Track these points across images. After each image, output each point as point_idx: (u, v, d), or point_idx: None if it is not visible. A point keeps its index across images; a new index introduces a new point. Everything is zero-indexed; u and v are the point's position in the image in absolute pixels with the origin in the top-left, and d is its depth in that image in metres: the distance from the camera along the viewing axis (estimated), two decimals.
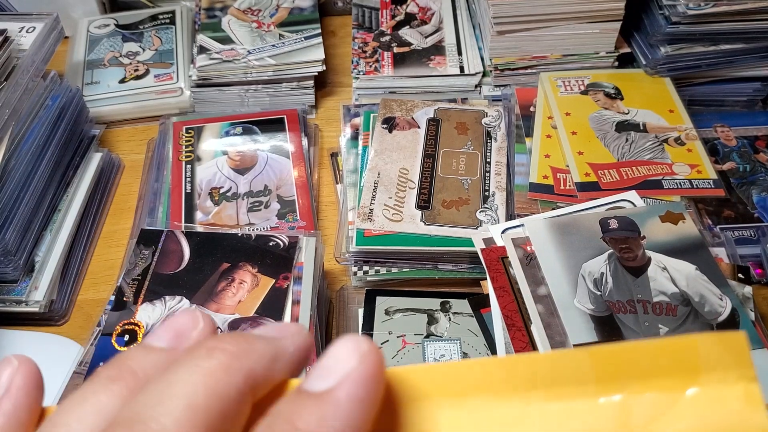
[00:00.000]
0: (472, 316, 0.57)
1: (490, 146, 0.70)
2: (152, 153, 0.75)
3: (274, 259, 0.57)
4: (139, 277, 0.56)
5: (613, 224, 0.57)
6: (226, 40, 0.82)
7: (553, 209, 0.63)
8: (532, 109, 0.73)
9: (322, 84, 0.84)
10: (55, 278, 0.62)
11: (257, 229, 0.66)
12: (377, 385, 0.17)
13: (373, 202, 0.64)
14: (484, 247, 0.58)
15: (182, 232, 0.60)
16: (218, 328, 0.53)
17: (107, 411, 0.17)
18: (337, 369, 0.17)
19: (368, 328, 0.57)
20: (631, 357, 0.17)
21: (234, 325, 0.53)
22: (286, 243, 0.58)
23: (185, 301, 0.54)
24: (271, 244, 0.58)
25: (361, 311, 0.58)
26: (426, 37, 0.82)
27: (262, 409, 0.17)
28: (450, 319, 0.57)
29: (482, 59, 0.79)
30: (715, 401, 0.17)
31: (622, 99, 0.73)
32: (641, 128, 0.70)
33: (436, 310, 0.58)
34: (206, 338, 0.19)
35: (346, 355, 0.17)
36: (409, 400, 0.18)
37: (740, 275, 0.57)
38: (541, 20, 0.74)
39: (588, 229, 0.57)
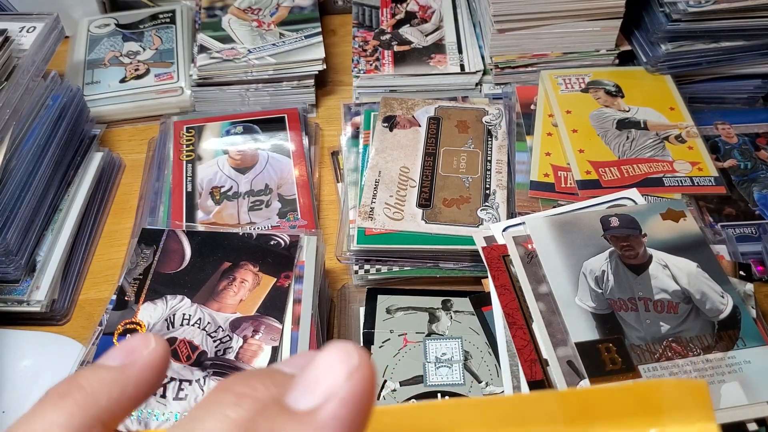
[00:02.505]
0: (473, 315, 0.57)
1: (491, 144, 0.70)
2: (153, 152, 0.75)
3: (276, 258, 0.57)
4: (141, 277, 0.56)
5: (614, 222, 0.57)
6: (226, 39, 0.82)
7: (554, 207, 0.63)
8: (532, 107, 0.73)
9: (323, 83, 0.84)
10: (57, 278, 0.62)
11: (258, 228, 0.66)
12: (365, 405, 0.16)
13: (374, 200, 0.64)
14: (485, 245, 0.58)
15: (183, 231, 0.60)
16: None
17: (54, 427, 0.17)
18: (323, 384, 0.16)
19: (369, 326, 0.57)
20: (598, 399, 0.18)
21: (235, 324, 0.53)
22: (287, 242, 0.58)
23: (186, 300, 0.54)
24: (272, 243, 0.58)
25: (362, 310, 0.58)
26: (426, 36, 0.82)
27: None
28: (451, 318, 0.57)
29: (483, 57, 0.79)
30: None
31: (622, 97, 0.73)
32: (642, 126, 0.70)
33: (438, 309, 0.58)
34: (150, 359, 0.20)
35: (334, 369, 0.16)
36: None
37: (741, 272, 0.57)
38: (542, 18, 0.74)
39: (589, 227, 0.57)
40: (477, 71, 0.77)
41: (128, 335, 0.52)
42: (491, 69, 0.78)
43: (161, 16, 0.89)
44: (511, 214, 0.63)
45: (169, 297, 0.55)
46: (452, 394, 0.53)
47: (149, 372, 0.20)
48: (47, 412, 0.18)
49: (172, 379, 0.50)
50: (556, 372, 0.49)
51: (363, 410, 0.16)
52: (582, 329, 0.51)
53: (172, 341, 0.52)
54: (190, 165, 0.72)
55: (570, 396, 0.19)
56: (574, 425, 0.18)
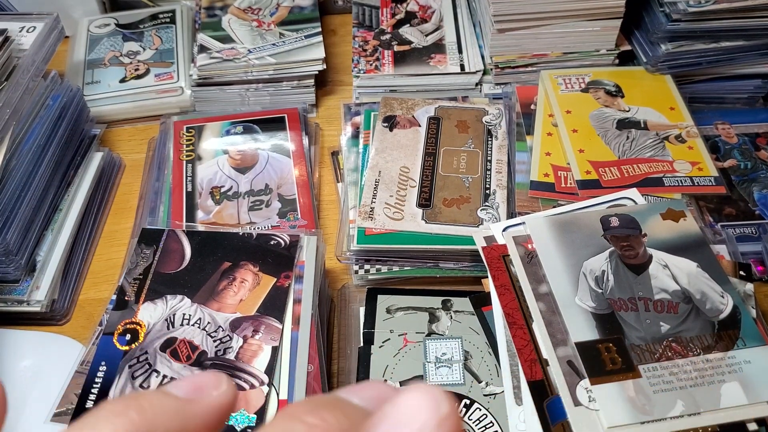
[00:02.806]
0: (473, 315, 0.57)
1: (491, 144, 0.70)
2: (153, 152, 0.75)
3: (276, 257, 0.57)
4: (141, 277, 0.56)
5: (614, 222, 0.57)
6: (226, 39, 0.82)
7: (554, 207, 0.63)
8: (532, 107, 0.73)
9: (323, 83, 0.84)
10: (57, 278, 0.62)
11: (258, 228, 0.66)
12: None
13: (374, 200, 0.64)
14: (485, 245, 0.58)
15: (183, 231, 0.60)
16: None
17: None
18: (412, 428, 0.15)
19: (369, 326, 0.57)
20: None
21: (236, 324, 0.53)
22: (287, 242, 0.58)
23: (186, 300, 0.54)
24: (272, 242, 0.58)
25: (362, 310, 0.58)
26: (426, 36, 0.82)
27: None
28: (451, 318, 0.57)
29: (483, 57, 0.79)
30: None
31: (622, 97, 0.73)
32: (642, 126, 0.70)
33: (438, 309, 0.58)
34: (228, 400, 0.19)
35: (422, 416, 0.15)
36: None
37: (741, 272, 0.57)
38: (542, 18, 0.74)
39: (589, 226, 0.57)
40: (477, 71, 0.77)
41: (129, 335, 0.52)
42: (491, 69, 0.78)
43: (161, 16, 0.89)
44: (511, 214, 0.63)
45: (169, 297, 0.55)
46: (452, 394, 0.52)
47: (213, 414, 0.19)
48: (100, 426, 0.17)
49: (172, 378, 0.50)
50: (556, 372, 0.49)
51: None
52: (582, 329, 0.51)
53: (171, 341, 0.52)
54: (190, 165, 0.72)
55: None
56: None
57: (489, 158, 0.68)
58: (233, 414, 0.47)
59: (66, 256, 0.64)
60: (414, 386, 0.16)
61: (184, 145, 0.74)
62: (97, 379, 0.50)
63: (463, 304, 0.58)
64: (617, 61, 0.78)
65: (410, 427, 0.15)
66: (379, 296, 0.59)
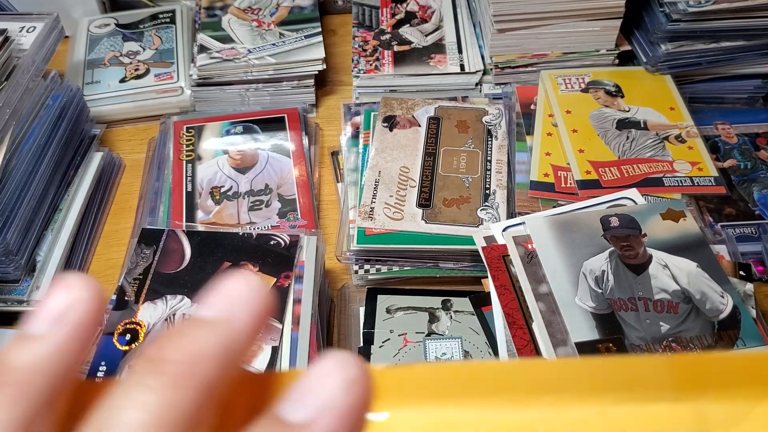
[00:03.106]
0: (473, 315, 0.57)
1: (491, 144, 0.70)
2: (153, 152, 0.75)
3: (275, 257, 0.57)
4: (141, 277, 0.56)
5: (614, 222, 0.57)
6: (226, 39, 0.82)
7: (554, 207, 0.63)
8: (532, 107, 0.73)
9: (323, 83, 0.84)
10: (57, 278, 0.62)
11: (258, 228, 0.66)
12: (361, 420, 0.15)
13: (374, 200, 0.64)
14: (485, 245, 0.58)
15: (183, 231, 0.60)
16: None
17: None
18: (319, 396, 0.15)
19: (369, 326, 0.57)
20: (709, 367, 0.18)
21: None
22: (287, 242, 0.58)
23: (186, 300, 0.54)
24: (272, 243, 0.58)
25: (362, 310, 0.58)
26: (426, 36, 0.82)
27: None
28: (451, 318, 0.57)
29: (483, 57, 0.79)
30: None
31: (622, 97, 0.73)
32: (642, 126, 0.70)
33: (438, 309, 0.58)
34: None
35: (330, 380, 0.16)
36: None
37: (741, 272, 0.57)
38: (542, 18, 0.74)
39: (589, 226, 0.57)
40: (477, 71, 0.77)
41: (129, 335, 0.52)
42: (491, 69, 0.78)
43: (161, 15, 0.89)
44: (511, 214, 0.63)
45: (169, 297, 0.55)
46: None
47: (258, 323, 0.17)
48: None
49: None
50: None
51: (359, 425, 0.16)
52: (582, 329, 0.51)
53: None
54: (190, 165, 0.72)
55: (681, 362, 0.18)
56: (682, 392, 0.18)
57: (489, 158, 0.68)
58: None
59: (66, 256, 0.64)
60: (327, 354, 0.16)
61: (184, 145, 0.74)
62: (96, 379, 0.50)
63: (463, 304, 0.58)
64: (617, 61, 0.78)
65: (318, 392, 0.15)
66: (379, 296, 0.59)
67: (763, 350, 0.18)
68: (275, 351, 0.51)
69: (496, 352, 0.53)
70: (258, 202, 0.69)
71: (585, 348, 0.49)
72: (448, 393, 0.18)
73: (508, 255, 0.56)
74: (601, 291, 0.53)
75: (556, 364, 0.19)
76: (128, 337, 0.52)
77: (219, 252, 0.58)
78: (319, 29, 0.83)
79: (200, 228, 0.65)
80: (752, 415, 0.17)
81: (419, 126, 0.72)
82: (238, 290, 0.17)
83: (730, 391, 0.18)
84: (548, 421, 0.18)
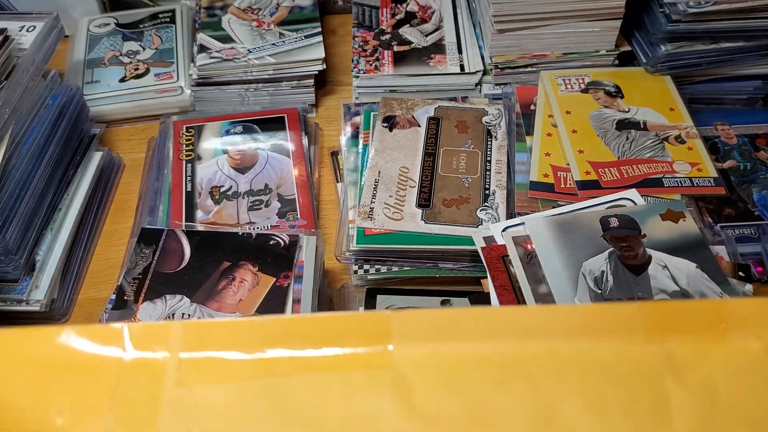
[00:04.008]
0: None
1: (491, 145, 0.70)
2: (153, 152, 0.75)
3: (275, 257, 0.57)
4: (140, 276, 0.56)
5: (614, 222, 0.57)
6: (226, 38, 0.82)
7: (554, 207, 0.63)
8: (532, 107, 0.73)
9: (323, 83, 0.84)
10: (56, 277, 0.62)
11: (258, 228, 0.66)
12: None
13: (373, 200, 0.64)
14: (484, 245, 0.58)
15: (183, 231, 0.60)
16: None
17: None
18: None
19: None
20: (676, 312, 0.21)
21: None
22: (287, 242, 0.58)
23: (186, 300, 0.54)
24: (271, 242, 0.58)
25: (361, 310, 0.58)
26: (426, 36, 0.82)
27: None
28: None
29: (482, 57, 0.79)
30: (743, 352, 0.20)
31: (622, 97, 0.73)
32: (642, 126, 0.70)
33: (437, 309, 0.58)
34: None
35: None
36: None
37: (741, 273, 0.57)
38: (542, 18, 0.74)
39: (588, 227, 0.57)
40: (477, 71, 0.78)
41: None
42: (491, 69, 0.78)
43: (161, 15, 0.89)
44: (510, 215, 0.63)
45: (168, 296, 0.55)
46: None
47: None
48: None
49: None
50: None
51: None
52: None
53: None
54: (189, 165, 0.72)
55: (651, 308, 0.21)
56: (651, 335, 0.20)
57: (488, 158, 0.68)
58: None
59: (65, 256, 0.64)
60: None
61: (184, 145, 0.74)
62: None
63: (462, 304, 0.58)
64: (617, 61, 0.78)
65: None
66: (378, 296, 0.59)
67: (724, 299, 0.22)
68: None
69: None
70: (258, 202, 0.69)
71: None
72: (445, 332, 0.20)
73: (508, 255, 0.56)
74: (600, 291, 0.53)
75: (543, 310, 0.22)
76: None
77: (218, 252, 0.58)
78: (319, 29, 0.83)
79: (200, 228, 0.65)
80: (713, 353, 0.20)
81: (419, 126, 0.72)
82: None
83: (695, 334, 0.20)
84: (537, 355, 0.20)
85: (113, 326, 0.21)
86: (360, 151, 0.71)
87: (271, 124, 0.76)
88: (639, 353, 0.20)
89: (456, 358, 0.20)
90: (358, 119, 0.75)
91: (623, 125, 0.70)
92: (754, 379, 0.19)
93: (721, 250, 0.59)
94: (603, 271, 0.54)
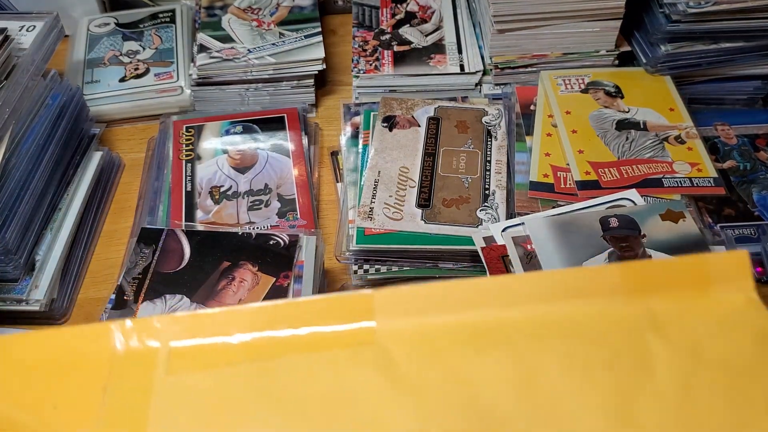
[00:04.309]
0: None
1: (491, 145, 0.70)
2: (152, 152, 0.75)
3: (275, 257, 0.57)
4: (140, 276, 0.56)
5: (614, 223, 0.57)
6: (226, 38, 0.82)
7: (554, 208, 0.63)
8: (532, 107, 0.73)
9: (323, 83, 0.84)
10: (56, 277, 0.62)
11: (258, 228, 0.66)
12: None
13: (373, 200, 0.64)
14: (484, 245, 0.58)
15: (183, 230, 0.60)
16: None
17: None
18: None
19: None
20: (654, 272, 0.21)
21: None
22: (287, 242, 0.58)
23: (186, 300, 0.54)
24: (271, 242, 0.58)
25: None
26: (426, 36, 0.82)
27: None
28: None
29: (482, 58, 0.79)
30: (724, 305, 0.20)
31: (622, 97, 0.73)
32: (641, 127, 0.70)
33: None
34: None
35: None
36: None
37: None
38: (542, 18, 0.74)
39: (588, 227, 0.57)
40: (477, 71, 0.78)
41: None
42: (491, 69, 0.78)
43: (161, 15, 0.89)
44: (510, 215, 0.63)
45: (168, 296, 0.55)
46: None
47: None
48: None
49: None
50: None
51: None
52: None
53: None
54: (189, 164, 0.72)
55: (630, 269, 0.21)
56: (632, 296, 0.20)
57: (488, 158, 0.68)
58: None
59: (65, 255, 0.64)
60: None
61: (184, 145, 0.74)
62: None
63: None
64: (617, 61, 0.78)
65: None
66: None
67: (697, 256, 0.22)
68: None
69: None
70: (257, 202, 0.69)
71: None
72: (426, 306, 0.21)
73: (508, 255, 0.56)
74: None
75: (523, 278, 0.23)
76: None
77: (218, 252, 0.58)
78: (319, 29, 0.83)
79: (199, 227, 0.65)
80: (695, 308, 0.20)
81: (419, 126, 0.72)
82: None
83: (676, 291, 0.21)
84: (517, 321, 0.20)
85: (105, 323, 0.22)
86: (360, 151, 0.71)
87: (271, 124, 0.76)
88: (620, 312, 0.20)
89: (437, 330, 0.20)
90: (358, 119, 0.75)
91: (623, 125, 0.70)
92: (737, 331, 0.20)
93: (720, 251, 0.59)
94: None
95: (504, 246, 0.57)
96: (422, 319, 0.20)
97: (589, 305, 0.20)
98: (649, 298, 0.20)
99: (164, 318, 0.21)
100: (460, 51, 0.80)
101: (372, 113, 0.74)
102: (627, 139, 0.69)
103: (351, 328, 0.21)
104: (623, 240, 0.56)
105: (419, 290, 0.21)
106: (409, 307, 0.20)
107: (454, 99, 0.77)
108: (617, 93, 0.74)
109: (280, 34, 0.82)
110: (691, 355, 0.19)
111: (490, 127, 0.72)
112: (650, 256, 0.55)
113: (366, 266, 0.62)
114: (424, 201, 0.64)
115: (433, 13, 0.85)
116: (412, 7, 0.86)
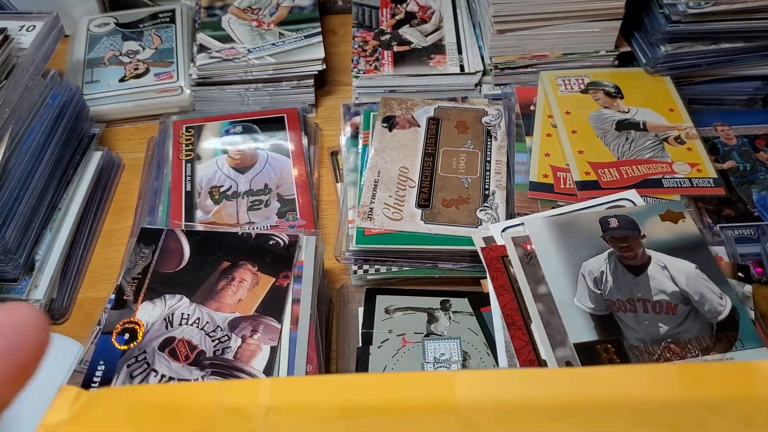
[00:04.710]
0: (472, 315, 0.57)
1: (491, 145, 0.70)
2: (152, 152, 0.75)
3: (275, 257, 0.57)
4: (140, 276, 0.56)
5: (613, 223, 0.57)
6: (226, 38, 0.82)
7: (554, 208, 0.63)
8: (532, 107, 0.73)
9: (322, 83, 0.84)
10: (56, 277, 0.62)
11: (257, 228, 0.66)
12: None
13: (373, 200, 0.64)
14: (484, 245, 0.58)
15: (182, 230, 0.60)
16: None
17: None
18: None
19: (368, 326, 0.57)
20: (706, 372, 0.20)
21: (234, 324, 0.53)
22: (286, 242, 0.58)
23: (185, 300, 0.54)
24: (271, 242, 0.58)
25: (361, 310, 0.58)
26: (426, 36, 0.82)
27: None
28: (450, 318, 0.57)
29: (482, 58, 0.79)
30: None
31: (622, 98, 0.73)
32: (641, 127, 0.70)
33: (436, 309, 0.58)
34: None
35: None
36: None
37: (740, 274, 0.57)
38: (542, 19, 0.74)
39: (588, 227, 0.57)
40: (477, 72, 0.77)
41: (127, 334, 0.52)
42: (491, 69, 0.78)
43: (161, 15, 0.89)
44: (510, 215, 0.63)
45: (167, 296, 0.55)
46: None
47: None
48: None
49: (171, 378, 0.50)
50: None
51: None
52: (580, 330, 0.51)
53: (170, 340, 0.52)
54: (189, 164, 0.72)
55: (686, 370, 0.21)
56: (687, 389, 0.20)
57: (488, 159, 0.68)
58: None
59: (65, 255, 0.64)
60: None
61: (184, 145, 0.74)
62: (95, 378, 0.50)
63: (461, 304, 0.58)
64: (617, 62, 0.78)
65: None
66: (377, 296, 0.59)
67: (750, 361, 0.22)
68: (274, 351, 0.51)
69: (494, 353, 0.53)
70: (257, 202, 0.69)
71: (583, 349, 0.49)
72: (505, 383, 0.20)
73: (507, 256, 0.56)
74: (599, 292, 0.53)
75: (586, 370, 0.22)
76: (127, 336, 0.52)
77: (218, 252, 0.58)
78: (319, 29, 0.83)
79: (199, 227, 0.65)
80: (747, 398, 0.20)
81: (419, 126, 0.72)
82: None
83: (726, 386, 0.20)
84: (588, 398, 0.20)
85: (209, 383, 0.23)
86: (360, 151, 0.71)
87: (270, 124, 0.76)
88: (678, 399, 0.21)
89: (514, 402, 0.21)
90: (358, 119, 0.75)
91: (623, 126, 0.70)
92: None
93: (720, 251, 0.59)
94: (602, 272, 0.54)
95: (504, 246, 0.57)
96: (500, 392, 0.21)
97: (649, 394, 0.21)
98: (702, 393, 0.21)
99: (264, 381, 0.23)
100: (460, 51, 0.80)
101: (372, 113, 0.74)
102: (627, 139, 0.69)
103: (434, 399, 0.22)
104: (623, 240, 0.56)
105: (497, 371, 0.22)
106: (487, 383, 0.21)
107: (454, 99, 0.77)
108: (617, 93, 0.74)
109: (280, 34, 0.82)
110: (746, 426, 0.20)
111: (489, 128, 0.72)
112: (650, 257, 0.55)
113: (366, 266, 0.62)
114: (424, 201, 0.64)
115: (433, 13, 0.85)
116: (412, 7, 0.86)
